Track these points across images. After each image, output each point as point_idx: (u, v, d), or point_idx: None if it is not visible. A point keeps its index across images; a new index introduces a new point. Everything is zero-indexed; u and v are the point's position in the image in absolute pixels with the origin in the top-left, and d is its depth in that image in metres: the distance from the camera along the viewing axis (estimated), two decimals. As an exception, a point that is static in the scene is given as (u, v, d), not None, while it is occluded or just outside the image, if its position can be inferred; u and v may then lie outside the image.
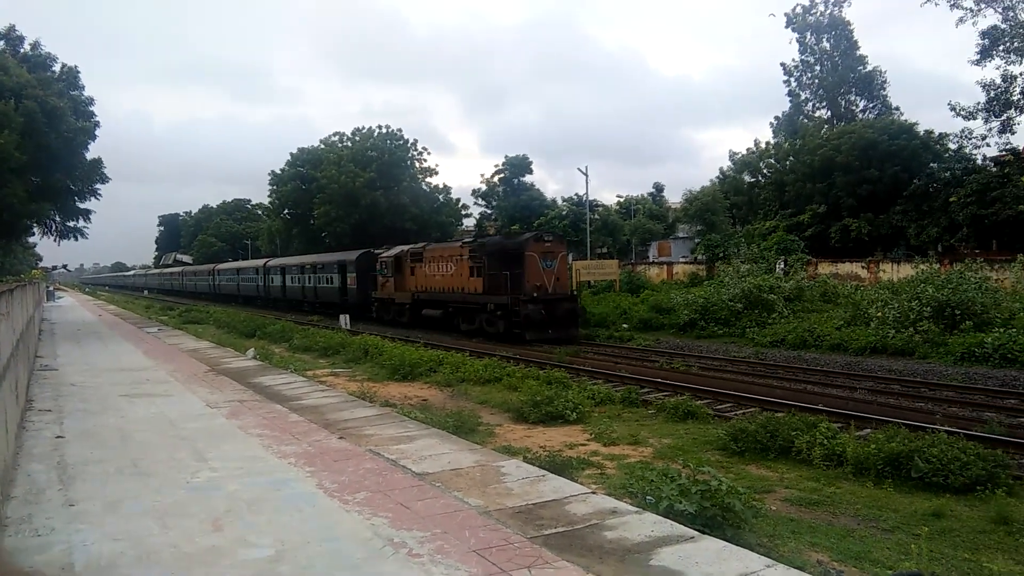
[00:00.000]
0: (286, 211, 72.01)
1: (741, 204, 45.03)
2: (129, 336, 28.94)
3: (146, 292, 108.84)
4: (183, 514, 6.73)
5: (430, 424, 11.36)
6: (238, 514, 6.69)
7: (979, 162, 40.16)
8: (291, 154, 69.85)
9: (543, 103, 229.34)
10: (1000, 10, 38.44)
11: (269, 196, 72.96)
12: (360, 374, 20.58)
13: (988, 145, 40.96)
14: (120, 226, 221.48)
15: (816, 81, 53.37)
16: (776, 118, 54.70)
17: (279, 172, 70.21)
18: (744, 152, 51.18)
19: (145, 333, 30.11)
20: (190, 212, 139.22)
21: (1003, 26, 37.96)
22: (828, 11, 52.35)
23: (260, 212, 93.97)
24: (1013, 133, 39.93)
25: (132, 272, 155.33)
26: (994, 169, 37.69)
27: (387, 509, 6.68)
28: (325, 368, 22.18)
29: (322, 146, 68.18)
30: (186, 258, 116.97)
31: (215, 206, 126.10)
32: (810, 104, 54.05)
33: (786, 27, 53.43)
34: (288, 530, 6.20)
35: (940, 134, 42.04)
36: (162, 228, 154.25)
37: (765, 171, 48.41)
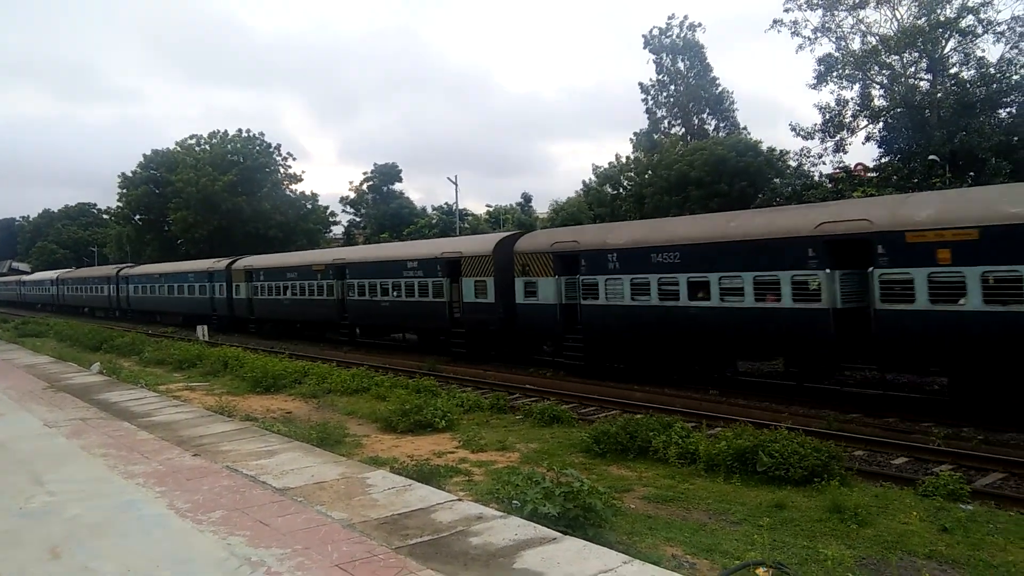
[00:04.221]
0: (138, 216, 67.85)
1: (604, 215, 46.63)
2: (-47, 352, 26.32)
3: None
4: (16, 543, 6.21)
5: (293, 437, 11.05)
6: (79, 540, 6.24)
7: (816, 179, 43.48)
8: (144, 156, 66.06)
9: (398, 112, 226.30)
10: (834, 40, 42.12)
11: (118, 200, 68.35)
12: (219, 387, 19.68)
13: (824, 163, 44.68)
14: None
15: (672, 100, 56.10)
16: (635, 134, 57.01)
17: (130, 175, 66.09)
18: (606, 166, 52.98)
19: (-28, 348, 27.49)
20: (28, 217, 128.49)
21: (836, 54, 41.54)
22: (683, 35, 55.25)
23: (108, 217, 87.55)
24: (846, 152, 43.87)
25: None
26: (829, 186, 40.97)
27: (245, 527, 6.43)
28: (180, 382, 21.05)
29: (178, 148, 64.80)
30: (23, 266, 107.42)
31: (57, 211, 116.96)
32: (666, 121, 56.70)
33: (644, 48, 56.10)
34: (135, 555, 5.85)
35: (781, 151, 45.28)
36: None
37: (626, 184, 50.30)
